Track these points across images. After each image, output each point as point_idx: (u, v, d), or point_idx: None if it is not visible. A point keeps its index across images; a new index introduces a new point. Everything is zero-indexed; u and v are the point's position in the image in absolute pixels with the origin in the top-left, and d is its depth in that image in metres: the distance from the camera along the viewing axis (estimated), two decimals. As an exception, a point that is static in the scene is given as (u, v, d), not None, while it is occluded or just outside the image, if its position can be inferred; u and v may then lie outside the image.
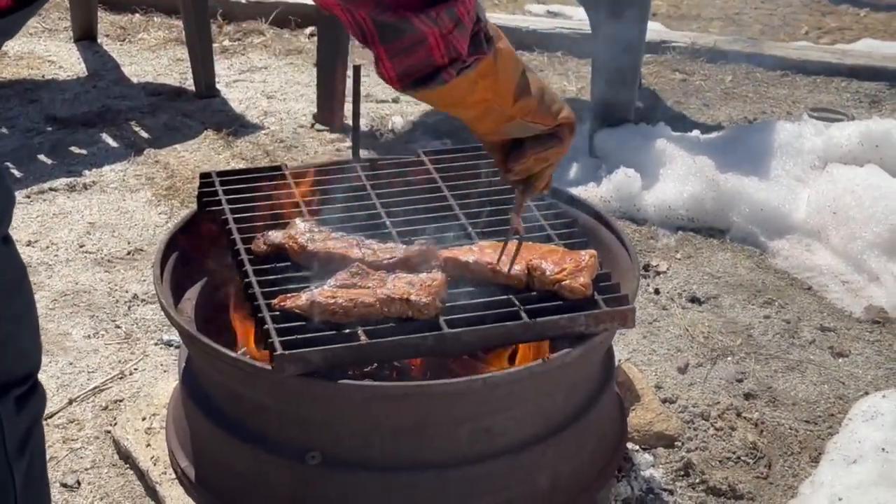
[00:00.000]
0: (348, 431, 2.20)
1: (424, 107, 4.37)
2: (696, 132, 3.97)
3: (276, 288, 2.25)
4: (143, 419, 2.61)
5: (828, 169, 3.67)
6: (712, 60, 4.78)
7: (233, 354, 2.18)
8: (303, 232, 2.35)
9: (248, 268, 2.30)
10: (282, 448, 2.23)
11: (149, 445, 2.53)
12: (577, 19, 5.00)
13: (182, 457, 2.41)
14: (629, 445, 2.60)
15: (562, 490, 2.29)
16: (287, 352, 2.08)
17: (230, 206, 2.48)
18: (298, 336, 2.12)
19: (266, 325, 2.14)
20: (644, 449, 2.63)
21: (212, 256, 2.52)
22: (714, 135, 4.01)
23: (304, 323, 2.15)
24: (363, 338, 2.13)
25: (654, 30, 4.73)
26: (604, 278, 2.30)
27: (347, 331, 2.14)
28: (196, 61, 4.37)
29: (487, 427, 2.21)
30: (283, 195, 2.54)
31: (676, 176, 3.66)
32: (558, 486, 2.28)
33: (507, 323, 2.16)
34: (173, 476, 2.43)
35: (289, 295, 2.19)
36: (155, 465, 2.48)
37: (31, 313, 1.79)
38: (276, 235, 2.33)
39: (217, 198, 2.51)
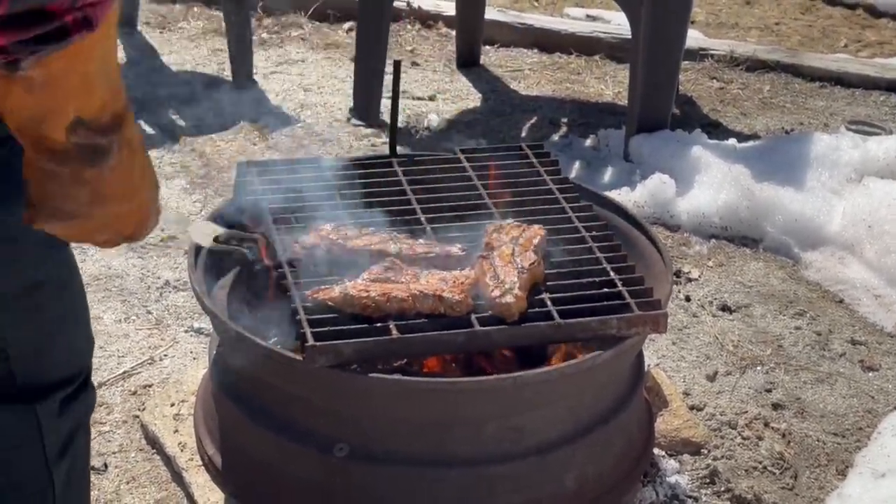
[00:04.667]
0: (376, 425, 2.21)
1: (461, 105, 4.38)
2: (732, 140, 3.96)
3: (310, 279, 2.26)
4: (172, 405, 2.62)
5: (864, 182, 3.66)
6: (751, 69, 4.77)
7: (264, 343, 2.18)
8: (335, 230, 2.36)
9: (283, 259, 2.31)
10: (310, 439, 2.24)
11: (176, 431, 2.54)
12: (616, 24, 4.99)
13: (209, 444, 2.42)
14: (655, 451, 2.59)
15: (588, 492, 2.29)
16: (318, 343, 2.08)
17: (269, 197, 2.49)
18: (330, 328, 2.13)
19: (298, 316, 2.15)
20: (670, 455, 2.62)
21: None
22: (750, 144, 4.00)
23: (336, 315, 2.16)
24: (394, 332, 2.13)
25: (693, 37, 4.71)
26: (636, 282, 2.30)
27: (379, 325, 2.15)
28: (235, 52, 4.38)
29: (516, 426, 2.21)
30: (323, 187, 2.55)
31: (711, 183, 3.65)
32: (584, 487, 2.28)
33: (538, 323, 2.17)
34: (200, 462, 2.44)
35: (322, 287, 2.20)
36: (182, 451, 2.49)
37: (76, 314, 1.73)
38: (310, 237, 2.33)
39: (255, 188, 2.52)
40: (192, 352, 2.93)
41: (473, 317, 2.16)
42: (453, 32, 4.93)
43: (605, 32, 4.95)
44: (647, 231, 2.55)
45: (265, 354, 2.18)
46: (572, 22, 5.13)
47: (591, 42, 4.92)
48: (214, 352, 2.47)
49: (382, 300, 2.16)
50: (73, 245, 2.97)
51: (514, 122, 4.26)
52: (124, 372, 2.84)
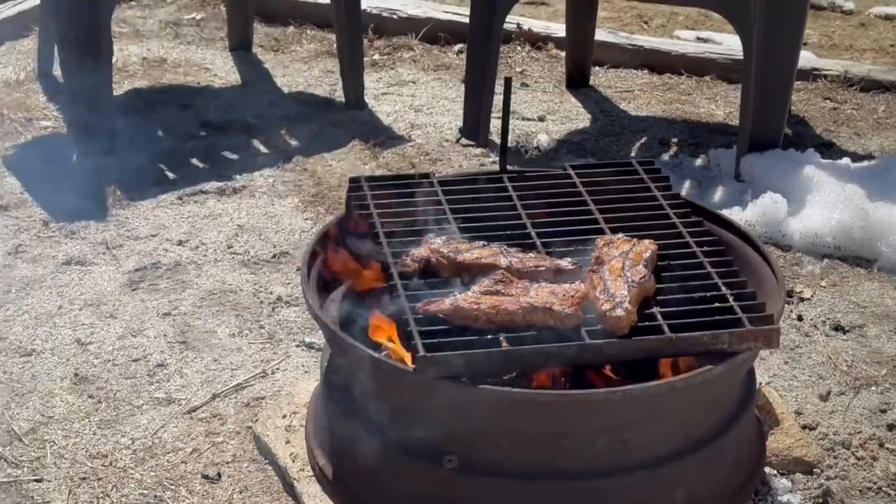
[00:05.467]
0: (486, 436, 2.22)
1: (570, 125, 4.38)
2: (845, 160, 3.90)
3: (421, 292, 2.28)
4: (284, 417, 2.65)
5: (981, 202, 3.58)
6: (865, 90, 4.70)
7: (375, 355, 2.21)
8: (446, 243, 2.38)
9: (394, 271, 2.33)
10: (419, 450, 2.26)
11: (288, 442, 2.58)
12: (727, 45, 4.96)
13: (320, 455, 2.45)
14: (767, 469, 2.56)
15: (698, 508, 2.27)
16: (429, 354, 2.10)
17: (378, 211, 2.52)
18: (441, 339, 2.15)
19: (409, 328, 2.18)
20: (782, 474, 2.59)
21: (356, 261, 2.56)
22: (864, 164, 3.94)
23: (446, 327, 2.18)
24: (505, 344, 2.15)
25: (806, 58, 4.66)
26: (748, 297, 2.28)
27: (489, 336, 2.16)
28: (347, 73, 4.44)
29: (626, 439, 2.20)
30: (430, 202, 2.58)
31: (824, 203, 3.61)
32: None
33: (650, 337, 2.17)
34: (311, 473, 2.47)
35: (433, 299, 2.23)
36: (294, 461, 2.52)
37: None
38: (421, 250, 2.36)
39: (366, 202, 2.56)
40: (303, 366, 2.97)
41: (583, 330, 2.17)
42: (563, 54, 4.93)
43: (716, 53, 4.92)
44: (759, 247, 2.53)
45: (376, 365, 2.21)
46: (683, 43, 5.10)
47: (702, 62, 4.89)
48: (326, 364, 2.50)
49: (493, 312, 2.18)
50: (188, 260, 3.03)
51: (624, 142, 4.25)
52: (237, 384, 2.89)
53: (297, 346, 3.06)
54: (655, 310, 2.23)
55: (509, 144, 4.16)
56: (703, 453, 2.27)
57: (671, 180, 2.71)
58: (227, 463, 2.63)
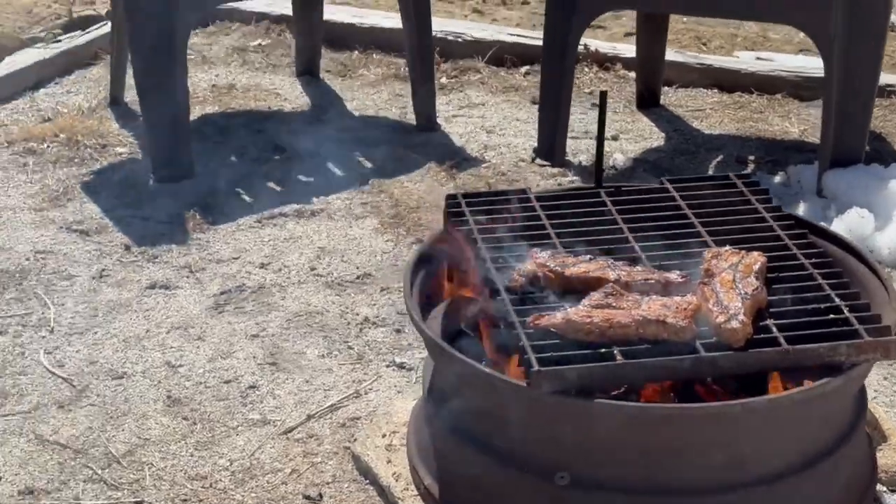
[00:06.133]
0: (600, 452, 2.19)
1: (644, 144, 4.35)
2: (929, 175, 3.86)
3: (527, 307, 2.26)
4: (383, 436, 2.63)
5: None
6: (938, 106, 4.66)
7: (487, 370, 2.19)
8: (552, 257, 2.36)
9: (500, 286, 2.31)
10: (530, 466, 2.23)
11: (389, 462, 2.55)
12: (791, 65, 4.94)
13: (425, 473, 2.43)
14: (877, 486, 2.51)
15: (816, 525, 2.23)
16: (543, 368, 2.08)
17: (478, 227, 2.50)
18: (553, 353, 2.13)
19: (521, 342, 2.15)
20: (892, 491, 2.54)
21: (456, 277, 2.54)
22: (948, 178, 3.89)
23: (558, 341, 2.16)
24: (619, 358, 2.12)
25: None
26: (863, 308, 2.25)
27: (603, 350, 2.13)
28: (418, 95, 4.43)
29: (743, 454, 2.17)
30: (529, 217, 2.56)
31: (911, 218, 3.57)
32: (813, 520, 2.23)
33: (766, 349, 2.13)
34: (416, 492, 2.44)
35: (543, 313, 2.20)
36: (397, 481, 2.50)
37: None
38: (528, 265, 2.33)
39: (465, 218, 2.54)
40: (395, 385, 2.95)
41: (698, 342, 2.14)
42: (631, 74, 4.91)
43: (786, 70, 4.88)
44: (866, 260, 2.50)
45: (488, 381, 2.18)
46: (752, 61, 5.07)
47: (773, 80, 4.85)
48: (428, 380, 2.48)
49: (605, 326, 2.15)
50: (271, 283, 3.02)
51: (700, 161, 4.22)
52: (331, 405, 2.87)
53: (388, 366, 3.04)
54: (770, 322, 2.19)
55: (586, 164, 4.16)
56: (819, 468, 2.23)
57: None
58: (328, 483, 2.61)
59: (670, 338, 2.15)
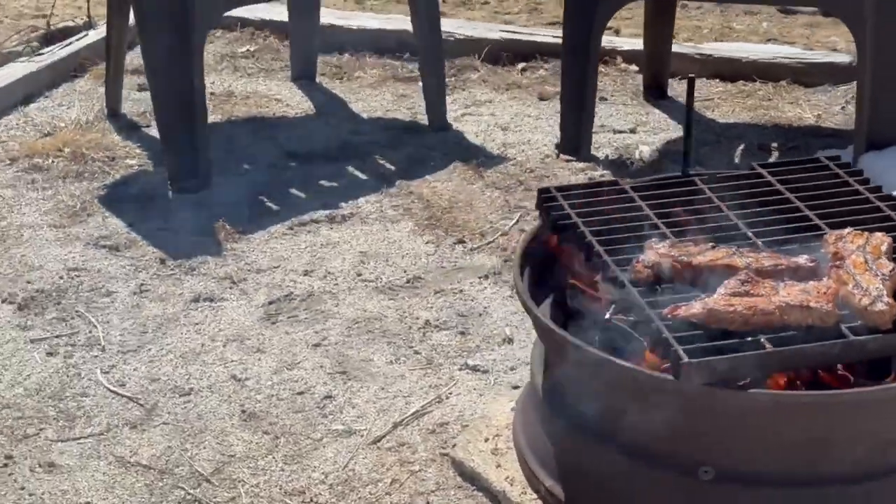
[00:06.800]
0: (746, 444, 2.13)
1: (663, 136, 4.31)
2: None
3: (654, 298, 2.19)
4: (486, 440, 2.55)
5: None
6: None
7: (628, 364, 2.12)
8: (674, 247, 2.29)
9: (624, 278, 2.25)
10: (669, 463, 2.17)
11: (499, 466, 2.47)
12: (790, 52, 4.95)
13: (545, 476, 2.35)
14: None
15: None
16: (694, 360, 2.01)
17: (582, 220, 2.44)
18: (699, 345, 2.06)
19: (663, 334, 2.08)
20: None
21: (560, 272, 2.47)
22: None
23: (700, 332, 2.09)
24: (767, 346, 2.06)
25: None
26: None
27: (749, 339, 2.07)
28: (430, 95, 4.36)
29: (890, 441, 2.12)
30: (630, 209, 2.50)
31: (954, 198, 3.55)
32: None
33: (914, 330, 2.08)
34: (535, 496, 2.37)
35: (679, 304, 2.14)
36: (511, 485, 2.41)
37: None
38: (650, 256, 2.27)
39: (565, 212, 2.47)
40: (475, 389, 2.87)
41: (843, 327, 2.09)
42: (632, 67, 4.89)
43: (787, 57, 4.88)
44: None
45: (631, 376, 2.11)
46: (752, 47, 5.06)
47: (775, 68, 4.85)
48: (542, 380, 2.40)
49: (749, 314, 2.09)
50: (320, 290, 2.89)
51: (724, 150, 4.19)
52: (415, 412, 2.78)
53: (460, 369, 2.95)
54: (913, 302, 2.15)
55: (612, 157, 4.11)
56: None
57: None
58: (433, 492, 2.51)
59: (815, 323, 2.09)
